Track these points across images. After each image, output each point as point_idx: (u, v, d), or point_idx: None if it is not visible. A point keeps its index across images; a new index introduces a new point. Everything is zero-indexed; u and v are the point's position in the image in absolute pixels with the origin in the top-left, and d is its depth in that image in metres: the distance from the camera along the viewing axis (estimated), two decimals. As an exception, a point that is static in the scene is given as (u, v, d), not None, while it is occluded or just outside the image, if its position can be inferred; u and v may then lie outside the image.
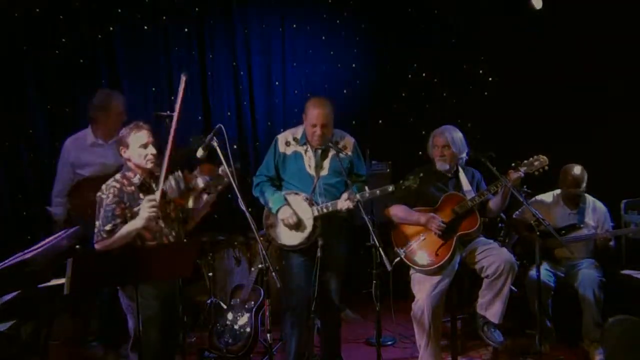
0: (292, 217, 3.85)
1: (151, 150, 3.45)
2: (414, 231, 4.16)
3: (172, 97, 5.66)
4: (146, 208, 3.32)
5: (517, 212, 4.81)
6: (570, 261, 4.60)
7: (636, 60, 5.11)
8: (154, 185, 3.48)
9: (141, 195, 3.42)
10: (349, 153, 4.03)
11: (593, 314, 4.32)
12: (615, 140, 5.20)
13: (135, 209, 3.39)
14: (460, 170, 4.32)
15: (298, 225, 3.87)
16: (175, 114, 3.45)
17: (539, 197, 4.79)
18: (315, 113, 3.87)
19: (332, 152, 3.93)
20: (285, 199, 3.92)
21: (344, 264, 4.06)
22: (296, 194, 3.93)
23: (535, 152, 4.10)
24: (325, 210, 3.85)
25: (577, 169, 4.62)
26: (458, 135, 4.28)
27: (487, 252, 4.10)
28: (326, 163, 3.96)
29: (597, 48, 5.32)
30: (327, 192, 3.92)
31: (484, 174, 4.33)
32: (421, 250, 4.09)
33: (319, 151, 3.96)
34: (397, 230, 4.22)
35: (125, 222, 3.37)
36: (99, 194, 3.42)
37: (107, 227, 3.35)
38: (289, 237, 3.92)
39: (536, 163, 4.04)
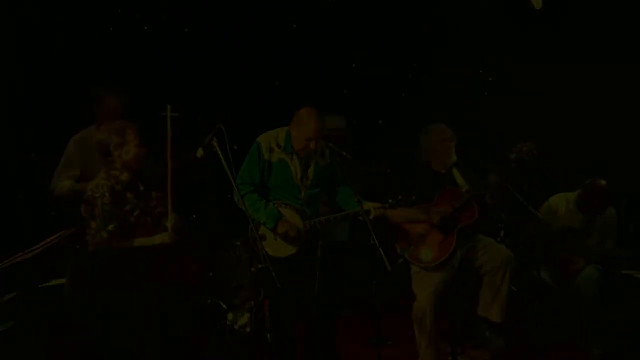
0: (291, 230, 3.75)
1: (143, 149, 3.42)
2: (414, 229, 4.14)
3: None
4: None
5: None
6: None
7: (637, 59, 5.12)
8: (140, 186, 3.43)
9: (128, 195, 3.34)
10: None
11: (593, 314, 4.32)
12: (615, 140, 5.20)
13: (127, 208, 3.31)
14: (454, 167, 4.30)
15: (294, 239, 3.78)
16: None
17: (552, 199, 4.71)
18: (314, 127, 3.72)
19: (313, 161, 3.87)
20: (279, 212, 3.81)
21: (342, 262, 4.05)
22: (286, 205, 3.83)
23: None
24: (318, 226, 3.79)
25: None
26: None
27: (485, 249, 4.13)
28: (310, 172, 3.88)
29: (598, 47, 5.33)
30: (313, 202, 3.88)
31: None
32: (423, 247, 4.08)
33: (302, 159, 3.87)
34: (397, 230, 4.19)
35: (121, 221, 3.28)
36: (89, 193, 3.29)
37: (110, 227, 3.24)
38: (283, 249, 3.80)
39: (524, 148, 4.04)
